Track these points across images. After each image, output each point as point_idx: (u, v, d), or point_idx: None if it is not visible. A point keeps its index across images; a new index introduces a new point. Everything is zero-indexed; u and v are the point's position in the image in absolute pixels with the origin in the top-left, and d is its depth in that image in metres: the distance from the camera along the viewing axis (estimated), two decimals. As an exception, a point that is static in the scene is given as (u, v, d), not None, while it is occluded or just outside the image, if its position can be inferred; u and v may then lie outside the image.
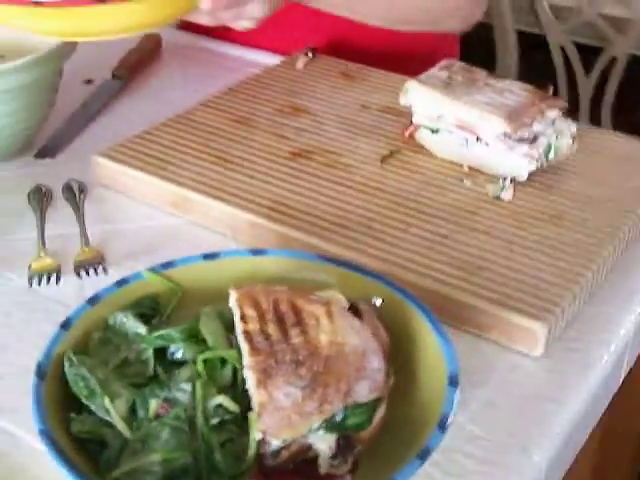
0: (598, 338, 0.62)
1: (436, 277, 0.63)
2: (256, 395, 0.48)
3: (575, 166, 0.78)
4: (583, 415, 0.58)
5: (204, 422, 0.49)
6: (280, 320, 0.52)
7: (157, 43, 1.06)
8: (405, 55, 1.07)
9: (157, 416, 0.50)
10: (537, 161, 0.73)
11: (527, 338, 0.60)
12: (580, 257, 0.66)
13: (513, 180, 0.74)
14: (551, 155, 0.74)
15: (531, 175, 0.75)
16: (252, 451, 0.48)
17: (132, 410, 0.51)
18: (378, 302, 0.57)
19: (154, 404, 0.50)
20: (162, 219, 0.74)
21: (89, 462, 0.49)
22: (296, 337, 0.51)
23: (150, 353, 0.54)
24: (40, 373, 0.51)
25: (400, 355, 0.55)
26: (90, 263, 0.68)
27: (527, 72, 1.74)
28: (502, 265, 0.65)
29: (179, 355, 0.54)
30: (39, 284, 0.66)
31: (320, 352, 0.50)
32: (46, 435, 0.47)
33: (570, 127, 0.76)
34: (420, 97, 0.78)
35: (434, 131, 0.78)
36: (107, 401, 0.50)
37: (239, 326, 0.52)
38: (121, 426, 0.49)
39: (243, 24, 0.80)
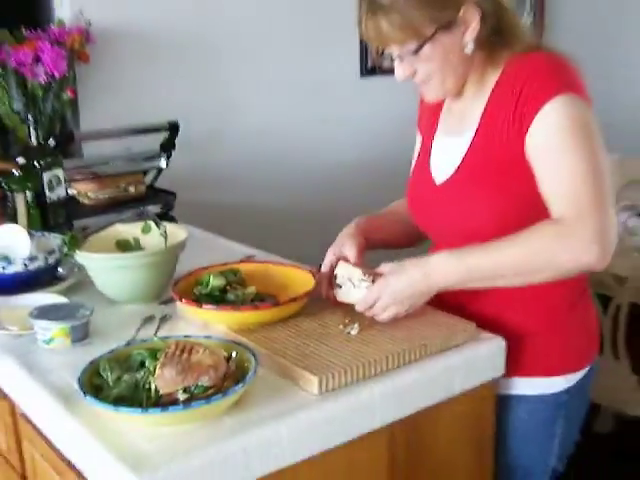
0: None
1: (281, 353, 1.20)
2: (157, 371, 1.08)
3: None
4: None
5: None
6: (183, 349, 1.11)
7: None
8: None
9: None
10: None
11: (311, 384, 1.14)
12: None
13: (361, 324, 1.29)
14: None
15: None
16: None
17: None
18: (234, 354, 1.15)
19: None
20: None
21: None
22: (185, 354, 1.10)
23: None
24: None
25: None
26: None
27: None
28: (317, 354, 1.19)
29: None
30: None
31: (191, 360, 1.09)
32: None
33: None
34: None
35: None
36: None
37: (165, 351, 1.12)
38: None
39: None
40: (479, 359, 1.28)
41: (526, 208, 1.29)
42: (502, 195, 1.31)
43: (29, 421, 1.27)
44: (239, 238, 1.94)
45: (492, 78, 1.35)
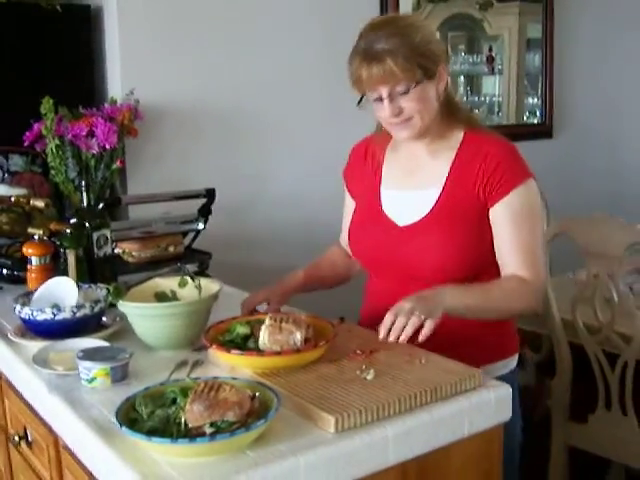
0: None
1: (301, 394, 1.22)
2: (187, 406, 1.11)
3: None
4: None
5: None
6: (212, 388, 1.14)
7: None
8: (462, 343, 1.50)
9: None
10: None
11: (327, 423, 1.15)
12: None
13: (377, 371, 1.31)
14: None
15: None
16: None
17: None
18: (258, 394, 1.17)
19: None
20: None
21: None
22: (213, 392, 1.13)
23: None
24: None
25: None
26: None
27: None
28: (335, 397, 1.21)
29: (180, 402, 1.18)
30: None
31: (218, 397, 1.12)
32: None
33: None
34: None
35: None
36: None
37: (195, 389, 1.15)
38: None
39: None
40: (487, 405, 1.28)
41: (483, 245, 1.55)
42: (465, 235, 1.55)
43: (71, 453, 1.30)
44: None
45: (453, 143, 1.59)
